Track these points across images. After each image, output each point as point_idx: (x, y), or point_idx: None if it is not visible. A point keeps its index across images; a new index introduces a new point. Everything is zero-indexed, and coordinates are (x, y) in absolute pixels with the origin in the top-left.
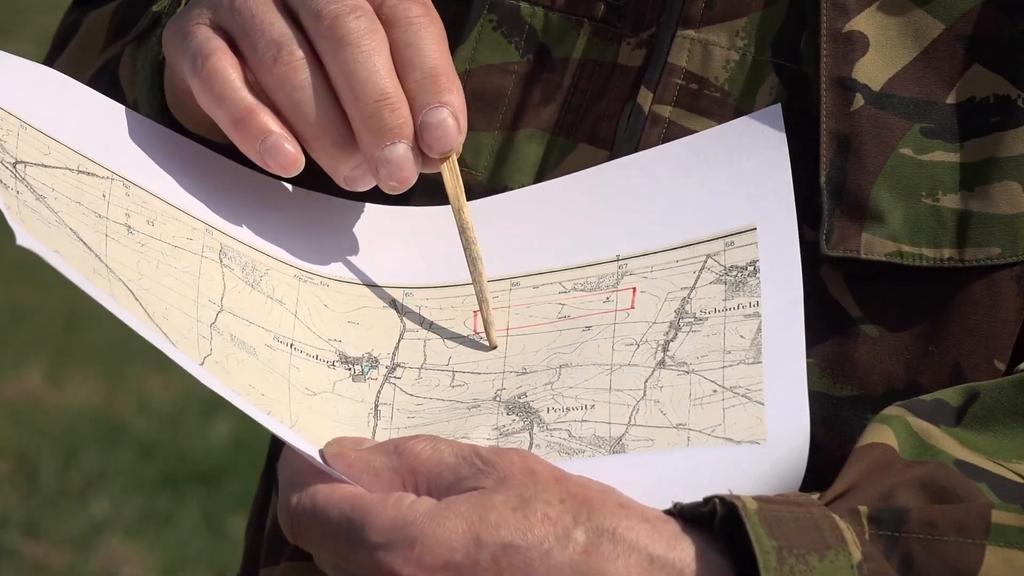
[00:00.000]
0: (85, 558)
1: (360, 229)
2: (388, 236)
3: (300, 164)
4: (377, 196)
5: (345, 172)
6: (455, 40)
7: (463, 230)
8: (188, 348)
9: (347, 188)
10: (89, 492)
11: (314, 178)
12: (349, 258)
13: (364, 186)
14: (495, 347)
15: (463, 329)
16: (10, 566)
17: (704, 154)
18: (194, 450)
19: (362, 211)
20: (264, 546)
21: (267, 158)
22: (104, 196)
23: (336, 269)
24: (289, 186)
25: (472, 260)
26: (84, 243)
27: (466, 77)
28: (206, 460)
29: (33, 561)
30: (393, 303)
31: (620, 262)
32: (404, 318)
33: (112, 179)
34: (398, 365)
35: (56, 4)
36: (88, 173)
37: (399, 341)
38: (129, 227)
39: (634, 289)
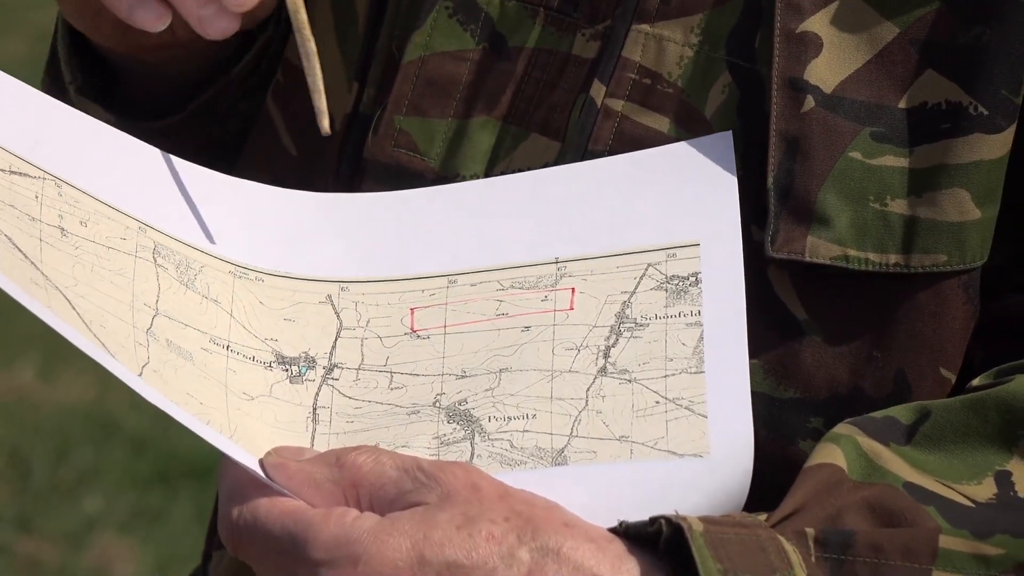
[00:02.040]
0: (77, 554)
1: (295, 219)
2: (324, 226)
3: (166, 19)
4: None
5: (198, 13)
6: (410, 25)
7: (299, 30)
8: (126, 358)
9: (208, 35)
10: (81, 488)
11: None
12: (284, 250)
13: (220, 24)
14: (328, 134)
15: (400, 327)
16: (2, 562)
17: (652, 170)
18: (186, 446)
19: (297, 200)
20: (214, 528)
21: (135, 14)
22: (37, 197)
23: (271, 262)
24: (224, 176)
25: (307, 55)
26: (19, 250)
27: (421, 64)
28: (198, 456)
29: (25, 557)
30: (329, 299)
31: (559, 264)
32: (340, 315)
33: (44, 179)
34: (336, 365)
35: (50, 0)
36: (20, 173)
37: (336, 340)
38: (63, 229)
39: (573, 290)
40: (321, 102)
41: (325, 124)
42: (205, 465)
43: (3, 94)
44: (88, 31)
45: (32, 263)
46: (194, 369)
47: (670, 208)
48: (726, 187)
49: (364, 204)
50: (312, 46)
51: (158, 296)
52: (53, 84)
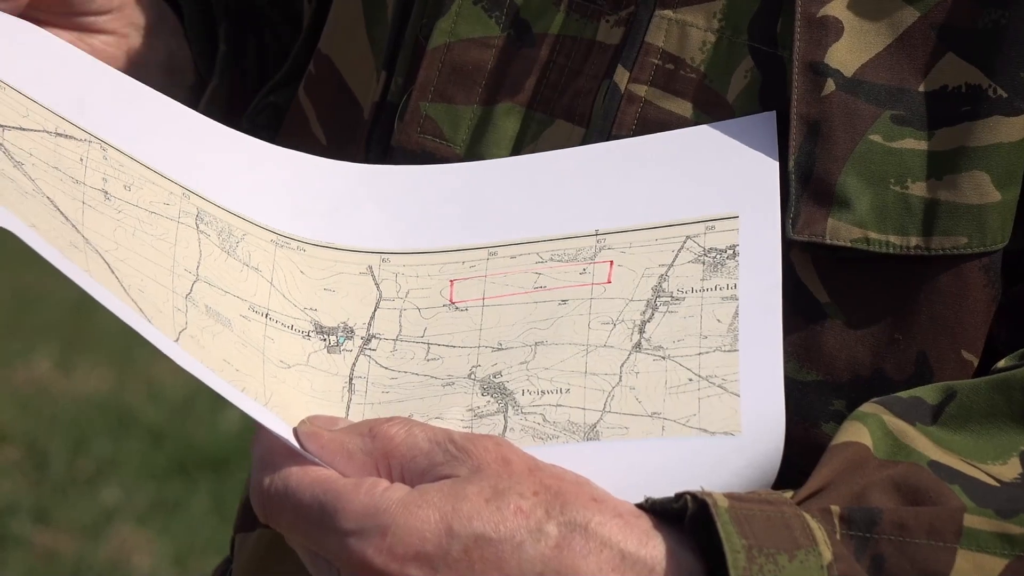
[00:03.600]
0: (95, 545)
1: (339, 189)
2: (366, 197)
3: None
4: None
5: None
6: (436, 13)
7: None
8: (163, 323)
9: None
10: (99, 480)
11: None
12: (327, 220)
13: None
14: None
15: (439, 299)
16: (20, 553)
17: (694, 147)
18: (204, 437)
19: (341, 171)
20: (241, 511)
21: None
22: (82, 160)
23: (314, 232)
24: (268, 145)
25: None
26: (61, 212)
27: (446, 50)
28: (216, 447)
29: (43, 548)
30: (369, 269)
31: (599, 236)
32: (380, 286)
33: (90, 142)
34: (373, 336)
35: None
36: (66, 136)
37: (375, 310)
38: (106, 193)
39: (611, 263)
40: None
41: None
42: (223, 457)
43: (51, 55)
44: None
45: (73, 226)
46: (232, 336)
47: (710, 182)
48: (767, 165)
49: (407, 176)
50: None
51: (199, 262)
52: None
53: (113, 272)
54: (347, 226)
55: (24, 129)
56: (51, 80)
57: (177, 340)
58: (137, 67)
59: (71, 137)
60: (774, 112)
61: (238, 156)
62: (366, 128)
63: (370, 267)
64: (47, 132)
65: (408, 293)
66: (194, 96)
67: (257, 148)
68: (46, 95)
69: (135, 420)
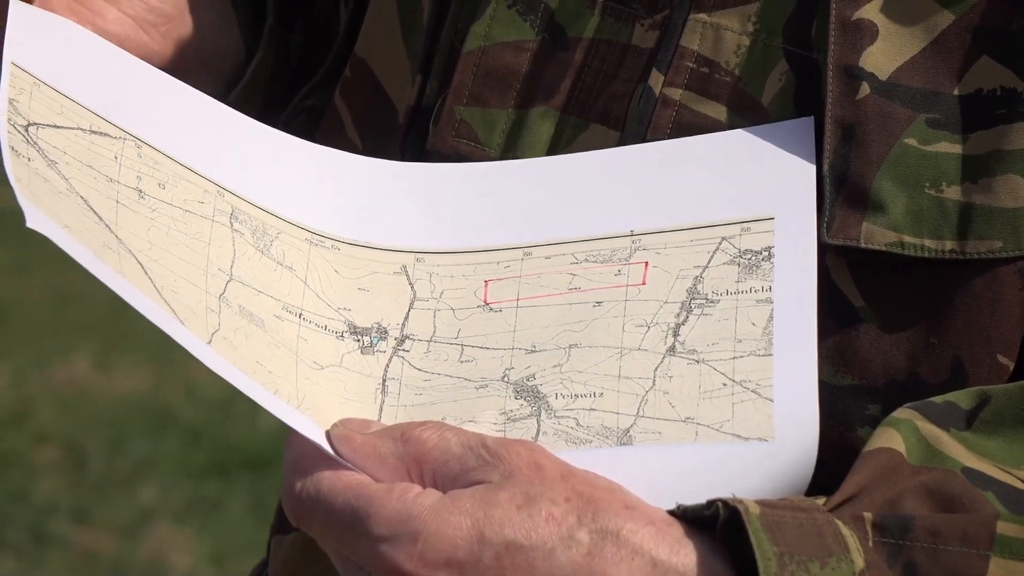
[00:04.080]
0: (133, 545)
1: (374, 187)
2: (401, 195)
3: None
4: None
5: None
6: (470, 17)
7: None
8: (196, 325)
9: None
10: (137, 479)
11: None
12: (361, 218)
13: None
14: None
15: (473, 299)
16: (58, 553)
17: (731, 150)
18: (242, 437)
19: (376, 168)
20: (278, 513)
21: None
22: (116, 158)
23: (348, 230)
24: (302, 142)
25: None
26: (95, 212)
27: (480, 54)
28: (254, 447)
29: (81, 548)
30: (404, 269)
31: (634, 237)
32: (414, 286)
33: (124, 139)
34: (407, 337)
35: None
36: (100, 133)
37: (409, 311)
38: (140, 191)
39: (646, 264)
40: None
41: None
42: (261, 456)
43: (86, 52)
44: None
45: (106, 226)
46: (265, 336)
47: (747, 184)
48: (804, 169)
49: (442, 173)
50: None
51: (233, 261)
52: None
53: (146, 272)
54: (382, 225)
55: (58, 127)
56: (86, 76)
57: (210, 342)
58: (178, 43)
59: (105, 135)
60: (812, 117)
61: (274, 153)
62: (401, 132)
63: (404, 267)
64: (81, 130)
65: (442, 293)
66: (232, 82)
67: (293, 145)
68: (81, 92)
69: (174, 419)
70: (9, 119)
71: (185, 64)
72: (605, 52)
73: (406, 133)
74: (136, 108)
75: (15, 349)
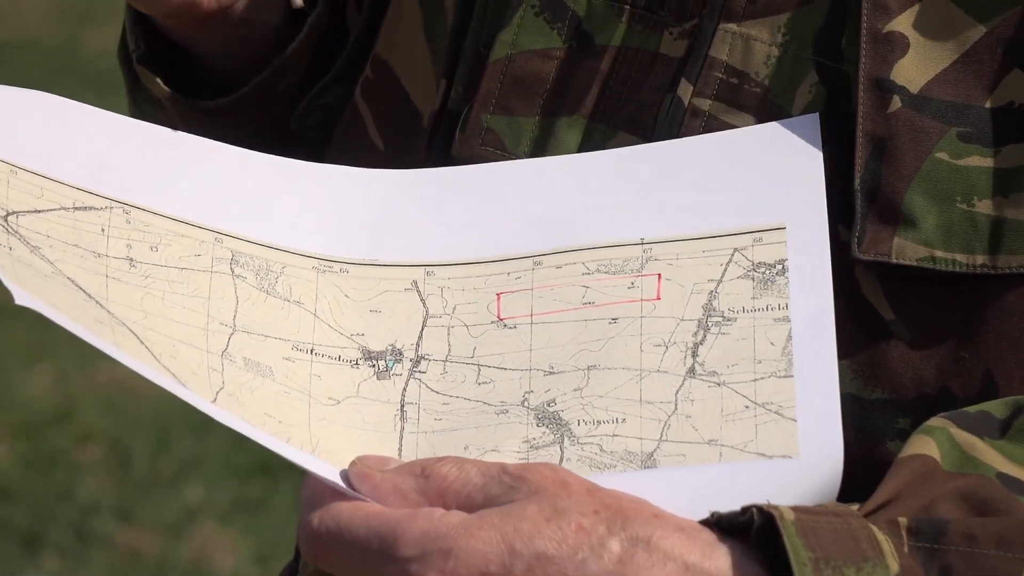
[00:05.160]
0: (177, 544)
1: (377, 200)
2: (405, 205)
3: None
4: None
5: None
6: (497, 23)
7: None
8: (199, 385)
9: None
10: (182, 478)
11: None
12: (368, 234)
13: None
14: (299, 6)
15: (486, 315)
16: (103, 552)
17: (737, 151)
18: None
19: (377, 180)
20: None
21: None
22: (103, 230)
23: (356, 249)
24: (303, 163)
25: None
26: (83, 291)
27: (507, 62)
28: None
29: (126, 547)
30: (414, 284)
31: (645, 246)
32: (426, 302)
33: (111, 208)
34: (422, 357)
35: None
36: (85, 208)
37: (422, 329)
38: (131, 260)
39: (659, 276)
40: None
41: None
42: None
43: (67, 120)
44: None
45: (97, 302)
46: (273, 386)
47: (755, 189)
48: (812, 169)
49: (446, 179)
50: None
51: (236, 311)
52: (123, 55)
53: (143, 342)
54: (388, 238)
55: (39, 211)
56: (67, 149)
57: (215, 400)
58: None
59: (91, 207)
60: (817, 114)
61: (272, 181)
62: (426, 136)
63: (415, 282)
64: (64, 208)
65: (455, 309)
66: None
67: (291, 169)
68: (62, 167)
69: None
70: None
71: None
72: (633, 60)
73: (431, 138)
74: (123, 169)
75: (59, 349)
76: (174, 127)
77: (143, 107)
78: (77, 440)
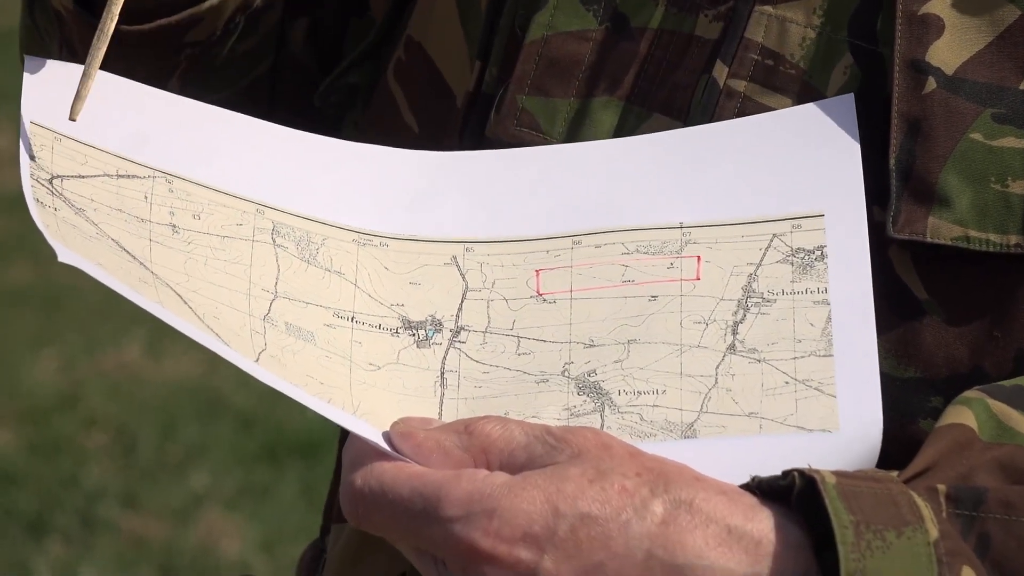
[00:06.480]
0: (184, 530)
1: (417, 180)
2: (446, 185)
3: None
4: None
5: None
6: (531, 5)
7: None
8: (242, 346)
9: None
10: (188, 465)
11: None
12: (408, 212)
13: None
14: (74, 120)
15: (525, 290)
16: (108, 538)
17: (774, 134)
18: (293, 423)
19: (418, 160)
20: (336, 502)
21: None
22: (146, 197)
23: (396, 226)
24: (343, 142)
25: (100, 33)
26: (128, 252)
27: (543, 43)
28: (305, 433)
29: (131, 533)
30: (454, 259)
31: (684, 229)
32: (466, 276)
33: (154, 177)
34: (462, 328)
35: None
36: (128, 176)
37: (462, 301)
38: (174, 227)
39: (699, 258)
40: (85, 87)
41: (78, 109)
42: (312, 442)
43: (108, 93)
44: None
45: (141, 263)
46: (315, 350)
47: (793, 174)
48: (849, 153)
49: (486, 162)
50: (110, 27)
51: (277, 278)
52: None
53: (186, 303)
54: (428, 217)
55: (84, 176)
56: (109, 120)
57: (257, 360)
58: None
59: (134, 176)
60: (852, 94)
61: (313, 158)
62: (460, 118)
63: (454, 257)
64: (108, 176)
65: (494, 283)
66: None
67: (331, 147)
68: (104, 137)
69: (224, 405)
70: (32, 174)
71: None
72: (668, 42)
73: (465, 119)
74: (164, 142)
75: (66, 334)
76: (68, 44)
77: (38, 20)
78: (83, 426)
